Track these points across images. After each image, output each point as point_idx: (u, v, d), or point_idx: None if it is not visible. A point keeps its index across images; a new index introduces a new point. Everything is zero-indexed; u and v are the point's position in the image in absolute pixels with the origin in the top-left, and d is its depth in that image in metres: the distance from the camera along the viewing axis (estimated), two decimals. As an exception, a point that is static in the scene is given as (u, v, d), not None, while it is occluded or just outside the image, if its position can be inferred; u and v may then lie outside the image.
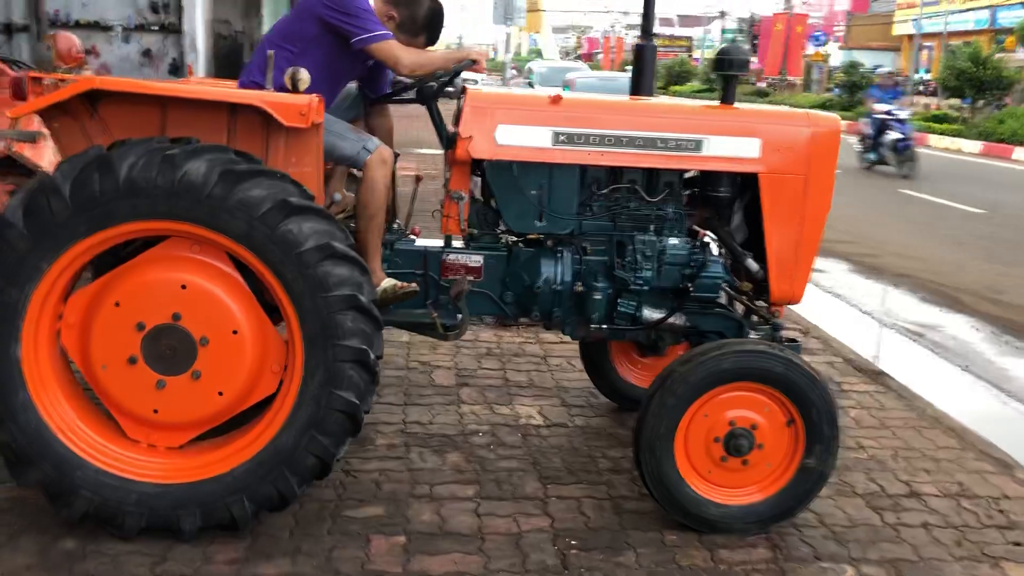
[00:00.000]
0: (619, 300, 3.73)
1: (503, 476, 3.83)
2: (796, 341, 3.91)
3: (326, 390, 3.10)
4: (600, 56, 67.21)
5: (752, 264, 3.73)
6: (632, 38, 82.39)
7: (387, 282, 3.58)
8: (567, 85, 18.88)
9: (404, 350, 5.34)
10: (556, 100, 3.55)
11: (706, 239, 3.74)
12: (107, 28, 15.19)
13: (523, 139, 3.53)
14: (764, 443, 3.41)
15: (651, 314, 3.72)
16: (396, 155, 3.71)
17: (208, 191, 2.95)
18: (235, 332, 3.12)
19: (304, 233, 3.02)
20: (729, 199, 3.71)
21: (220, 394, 3.16)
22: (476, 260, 3.76)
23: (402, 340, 5.46)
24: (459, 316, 3.66)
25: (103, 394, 3.17)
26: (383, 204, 3.53)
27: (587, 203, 3.73)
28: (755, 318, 3.83)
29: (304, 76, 3.14)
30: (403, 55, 3.51)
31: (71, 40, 3.05)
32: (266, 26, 21.58)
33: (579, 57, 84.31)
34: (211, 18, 16.43)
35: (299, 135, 3.27)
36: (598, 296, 3.69)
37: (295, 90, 3.14)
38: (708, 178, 3.72)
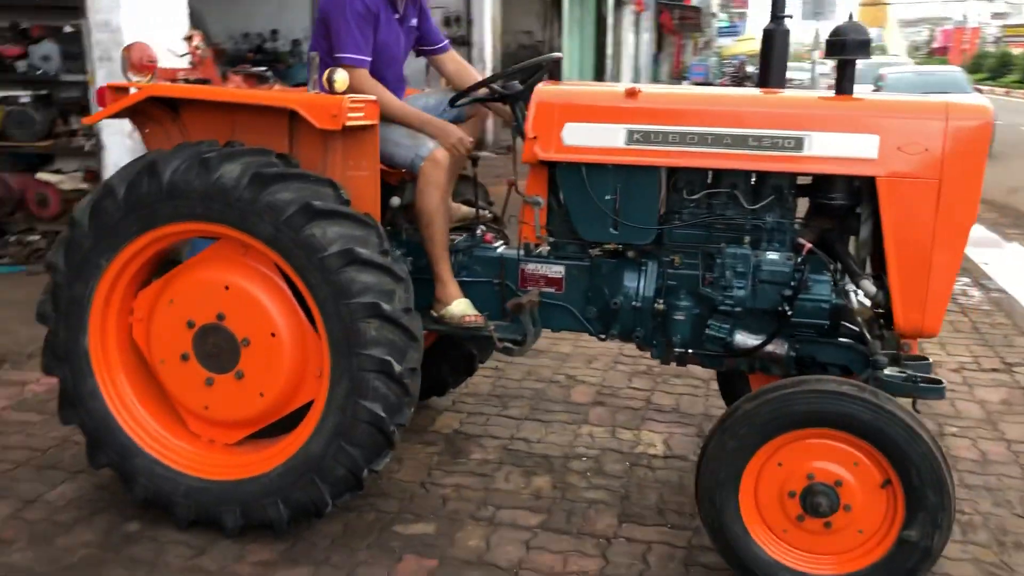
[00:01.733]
0: (709, 322, 3.26)
1: (579, 508, 3.51)
2: (939, 383, 3.20)
3: (351, 400, 3.01)
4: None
5: (868, 286, 3.09)
6: (995, 28, 74.35)
7: (457, 305, 3.41)
8: (879, 81, 17.36)
9: (558, 362, 5.12)
10: (632, 93, 3.17)
11: (814, 254, 3.15)
12: (406, 42, 16.36)
13: (593, 138, 3.19)
14: (852, 504, 2.80)
15: (745, 340, 3.21)
16: (475, 155, 3.52)
17: (238, 194, 2.97)
18: (273, 335, 3.12)
19: (328, 238, 2.95)
20: (846, 208, 3.10)
21: (261, 395, 3.18)
22: (556, 271, 3.47)
23: (560, 351, 5.24)
24: (527, 331, 3.39)
25: (164, 388, 3.31)
26: (437, 210, 3.36)
27: (675, 210, 3.30)
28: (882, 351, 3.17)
29: (339, 77, 3.06)
30: (358, 88, 3.28)
31: (144, 50, 3.20)
32: (567, 35, 22.17)
33: (931, 53, 77.46)
34: (501, 29, 17.10)
35: (356, 138, 3.22)
36: (679, 316, 3.26)
37: (331, 91, 3.07)
38: (821, 183, 3.14)
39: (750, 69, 34.98)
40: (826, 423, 2.77)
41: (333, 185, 3.07)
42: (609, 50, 27.32)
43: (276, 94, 3.24)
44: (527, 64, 3.47)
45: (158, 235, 3.13)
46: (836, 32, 3.05)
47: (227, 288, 3.14)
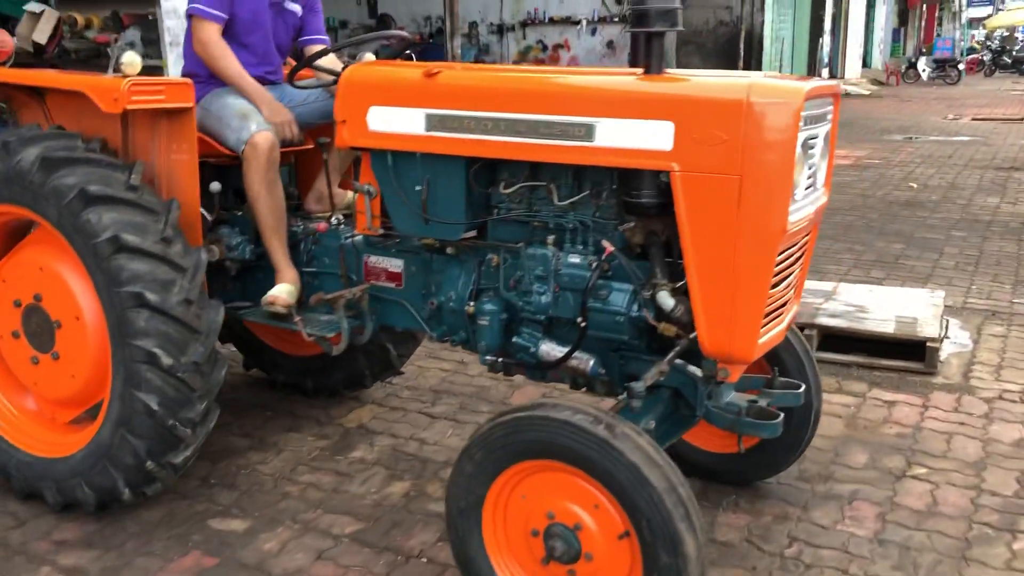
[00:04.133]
0: (520, 328, 2.92)
1: (410, 520, 3.27)
2: (772, 419, 2.69)
3: (128, 390, 2.96)
4: None
5: (665, 299, 2.63)
6: None
7: (277, 289, 3.28)
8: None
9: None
10: (431, 74, 2.87)
11: (615, 259, 2.71)
12: (576, 23, 16.12)
13: (395, 123, 2.93)
14: (593, 553, 2.41)
15: (550, 350, 2.85)
16: (323, 141, 3.35)
17: (31, 177, 3.00)
18: (77, 319, 3.13)
19: (103, 224, 2.91)
20: (658, 206, 2.64)
21: (73, 377, 3.20)
22: (396, 264, 3.24)
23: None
24: (341, 327, 3.20)
25: (6, 363, 3.42)
26: (259, 194, 3.25)
27: (488, 204, 2.97)
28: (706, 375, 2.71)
29: (127, 59, 3.00)
30: (205, 42, 3.28)
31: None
32: (771, 10, 20.84)
33: None
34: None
35: (178, 121, 3.17)
36: (484, 321, 2.94)
37: (119, 73, 3.01)
38: (626, 177, 2.69)
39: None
40: (555, 456, 2.39)
41: (129, 169, 3.02)
42: (827, 25, 25.50)
43: (70, 77, 3.22)
44: (356, 40, 3.26)
45: None
46: (638, 1, 2.58)
47: (41, 270, 3.19)
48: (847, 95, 24.44)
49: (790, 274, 2.72)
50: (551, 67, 3.18)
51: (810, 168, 2.64)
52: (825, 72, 25.63)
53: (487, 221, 2.99)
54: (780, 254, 2.55)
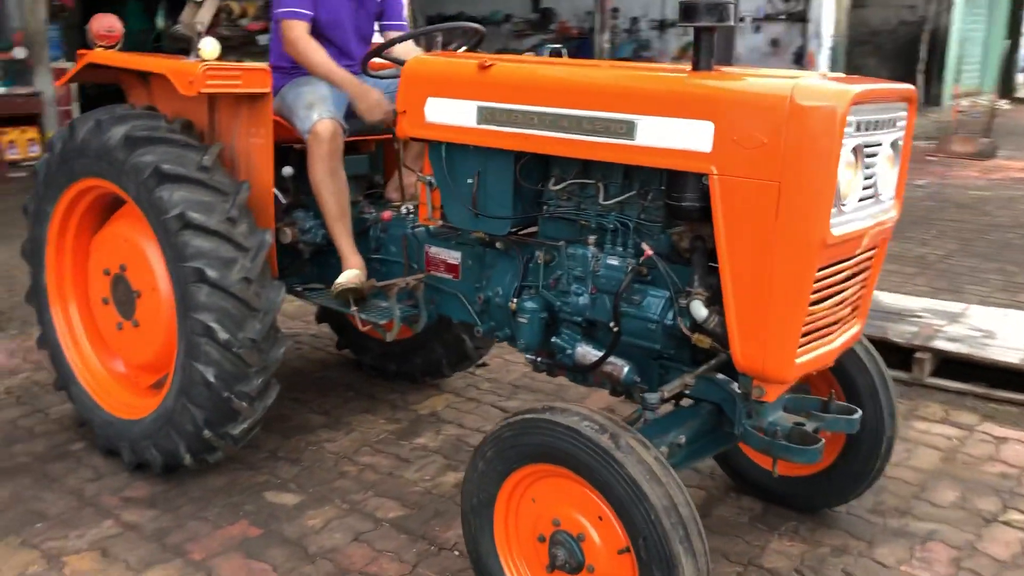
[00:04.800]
0: (560, 329, 2.86)
1: (454, 511, 3.27)
2: (813, 444, 2.52)
3: (188, 361, 3.11)
4: None
5: (698, 308, 2.50)
6: None
7: (344, 275, 3.34)
8: None
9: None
10: (485, 66, 2.84)
11: (654, 264, 2.60)
12: (740, 20, 15.61)
13: (449, 115, 2.92)
14: (596, 566, 2.33)
15: (585, 354, 2.78)
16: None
17: (116, 154, 3.18)
18: (154, 289, 3.31)
19: (173, 201, 3.06)
20: (698, 211, 2.51)
21: (150, 344, 3.39)
22: (455, 256, 3.25)
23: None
24: (393, 315, 3.23)
25: (100, 327, 3.65)
26: (323, 182, 3.31)
27: (537, 200, 2.92)
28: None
29: (204, 45, 3.12)
30: (295, 40, 3.35)
31: (106, 20, 3.51)
32: (957, 11, 19.48)
33: None
34: (849, 3, 15.54)
35: (256, 106, 3.29)
36: (523, 319, 2.89)
37: (198, 57, 3.14)
38: (670, 178, 2.57)
39: None
40: (560, 462, 2.32)
41: (205, 150, 3.16)
42: (1025, 28, 23.60)
43: (156, 61, 3.37)
44: (432, 29, 3.27)
45: (81, 188, 3.45)
46: (691, -7, 2.45)
47: (126, 241, 3.38)
48: (1045, 103, 22.58)
49: (843, 291, 2.53)
50: (602, 61, 3.06)
51: (868, 178, 2.44)
52: (1021, 77, 23.75)
53: (538, 217, 2.94)
54: (825, 268, 2.37)
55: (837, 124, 2.20)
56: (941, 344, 4.62)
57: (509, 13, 18.42)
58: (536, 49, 13.59)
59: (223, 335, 3.02)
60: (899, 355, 4.64)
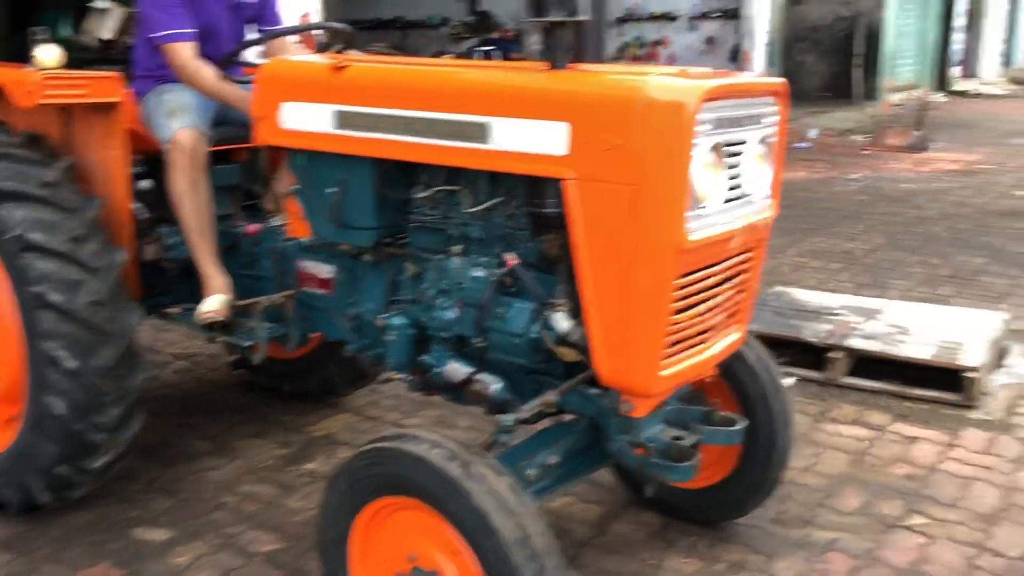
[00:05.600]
0: (431, 346, 2.69)
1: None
2: (685, 461, 2.38)
3: (38, 392, 2.89)
4: None
5: (560, 320, 2.35)
6: None
7: (207, 302, 3.14)
8: None
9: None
10: (339, 67, 2.66)
11: (517, 272, 2.44)
12: (675, 19, 15.60)
13: (305, 121, 2.74)
14: (452, 603, 2.16)
15: (454, 371, 2.61)
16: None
17: (-45, 175, 2.95)
18: (3, 316, 3.07)
19: (12, 221, 2.84)
20: (559, 217, 2.35)
21: (3, 375, 3.16)
22: (327, 271, 3.06)
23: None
24: (257, 336, 3.04)
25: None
26: (183, 195, 3.10)
27: (405, 209, 2.75)
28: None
29: (39, 53, 2.90)
30: (183, 65, 3.11)
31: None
32: (892, 5, 19.66)
33: None
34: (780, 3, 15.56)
35: (107, 116, 3.09)
36: (391, 336, 2.72)
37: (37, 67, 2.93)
38: (531, 184, 2.42)
39: None
40: (412, 493, 2.16)
41: (51, 165, 2.95)
42: (961, 21, 23.95)
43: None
44: (280, 30, 3.10)
45: None
46: (540, -14, 2.30)
47: (-23, 270, 3.15)
48: (978, 95, 22.94)
49: (713, 297, 2.39)
50: (460, 61, 2.90)
51: (735, 178, 2.30)
52: (956, 71, 24.11)
53: (408, 227, 2.77)
54: (689, 274, 2.23)
55: (688, 121, 2.06)
56: (856, 342, 4.53)
57: (447, 16, 18.23)
58: (471, 52, 13.43)
59: (71, 363, 2.81)
60: (813, 355, 4.55)
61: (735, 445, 2.89)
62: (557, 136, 2.22)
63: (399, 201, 2.73)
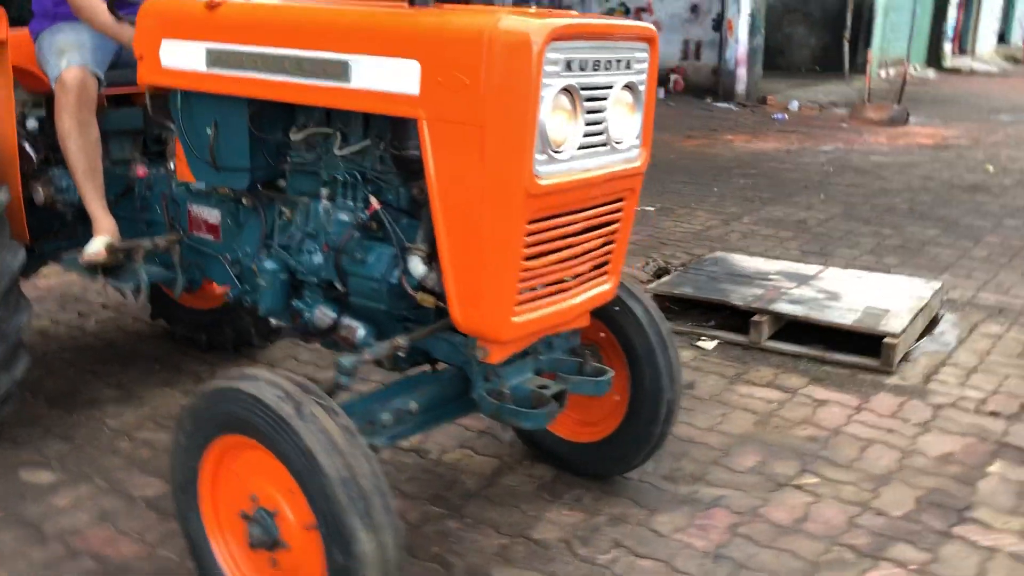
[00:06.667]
0: (304, 291, 2.67)
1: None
2: (538, 410, 2.36)
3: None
4: None
5: (416, 265, 2.32)
6: None
7: (92, 243, 3.09)
8: None
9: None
10: (214, 5, 2.61)
11: (380, 216, 2.41)
12: (659, -15, 15.42)
13: (181, 59, 2.69)
14: (291, 543, 2.15)
15: (322, 316, 2.58)
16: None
17: None
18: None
19: None
20: (418, 160, 2.31)
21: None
22: (215, 215, 3.02)
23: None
24: (139, 280, 3.01)
25: None
26: (69, 135, 3.04)
27: (280, 152, 2.71)
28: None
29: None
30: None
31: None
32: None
33: None
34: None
35: (-2, 55, 3.02)
36: (263, 280, 2.69)
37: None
38: (392, 125, 2.38)
39: None
40: (248, 432, 2.14)
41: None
42: (954, -4, 23.71)
43: None
44: None
45: None
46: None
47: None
48: (971, 72, 22.78)
49: (573, 246, 2.35)
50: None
51: (596, 124, 2.26)
52: (948, 47, 23.90)
53: (286, 171, 2.73)
54: (543, 220, 2.20)
55: (534, 61, 2.02)
56: (781, 307, 4.51)
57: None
58: None
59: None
60: (739, 318, 4.53)
61: (624, 399, 2.89)
62: (409, 75, 2.18)
63: (276, 144, 2.69)
